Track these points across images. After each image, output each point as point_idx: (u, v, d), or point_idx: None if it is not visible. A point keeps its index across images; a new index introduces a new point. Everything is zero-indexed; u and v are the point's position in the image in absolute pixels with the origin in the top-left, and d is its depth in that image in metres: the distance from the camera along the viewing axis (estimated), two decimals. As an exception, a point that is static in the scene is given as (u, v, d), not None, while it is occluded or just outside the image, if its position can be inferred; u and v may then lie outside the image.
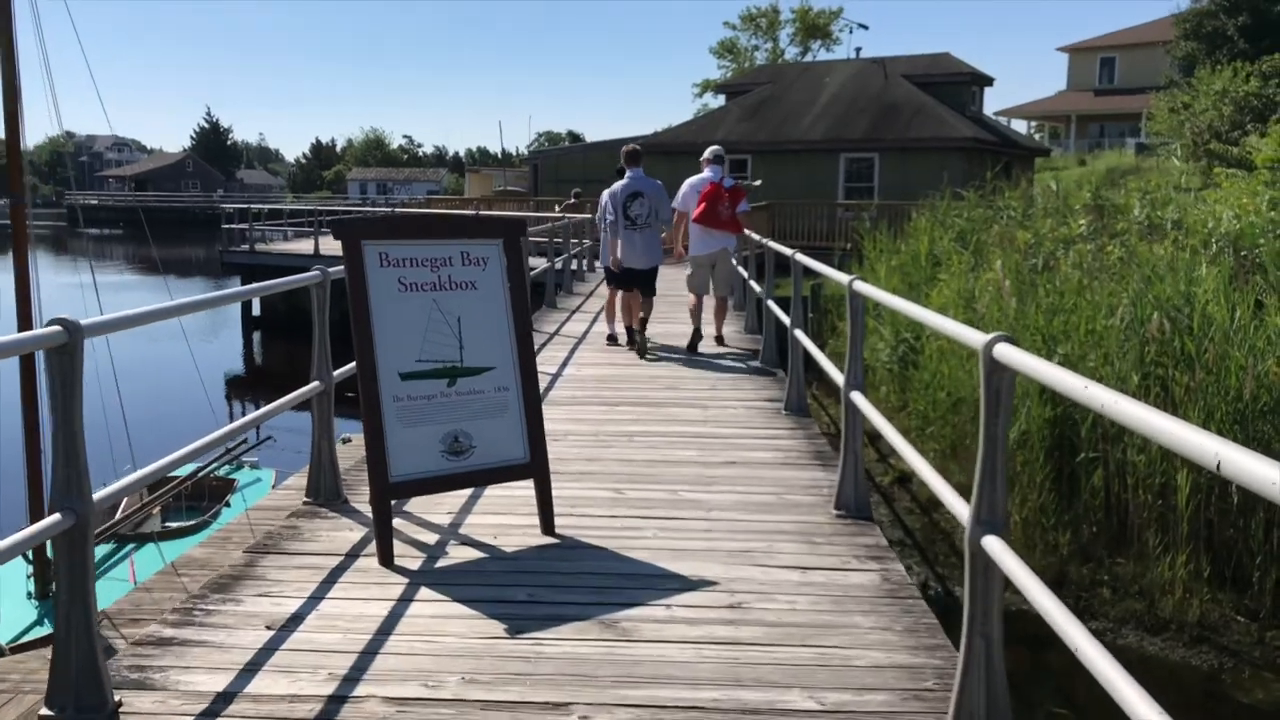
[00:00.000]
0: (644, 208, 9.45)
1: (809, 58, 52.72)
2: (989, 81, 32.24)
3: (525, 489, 4.64)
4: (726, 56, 57.75)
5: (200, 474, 9.54)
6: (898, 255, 14.80)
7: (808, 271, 7.24)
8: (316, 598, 3.75)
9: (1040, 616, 2.26)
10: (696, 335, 9.93)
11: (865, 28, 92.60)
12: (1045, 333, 8.21)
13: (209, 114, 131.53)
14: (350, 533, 4.51)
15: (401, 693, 3.03)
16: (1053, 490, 7.38)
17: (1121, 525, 7.02)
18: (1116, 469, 7.01)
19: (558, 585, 3.89)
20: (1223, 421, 6.65)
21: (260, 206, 28.76)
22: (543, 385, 7.80)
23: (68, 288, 10.35)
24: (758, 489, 5.23)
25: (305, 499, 4.97)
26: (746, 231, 10.96)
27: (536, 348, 9.62)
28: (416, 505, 4.81)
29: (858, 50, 35.19)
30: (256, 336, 25.35)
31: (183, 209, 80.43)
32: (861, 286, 4.79)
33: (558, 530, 4.50)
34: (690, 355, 9.65)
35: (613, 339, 10.27)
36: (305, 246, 26.21)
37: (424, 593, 3.82)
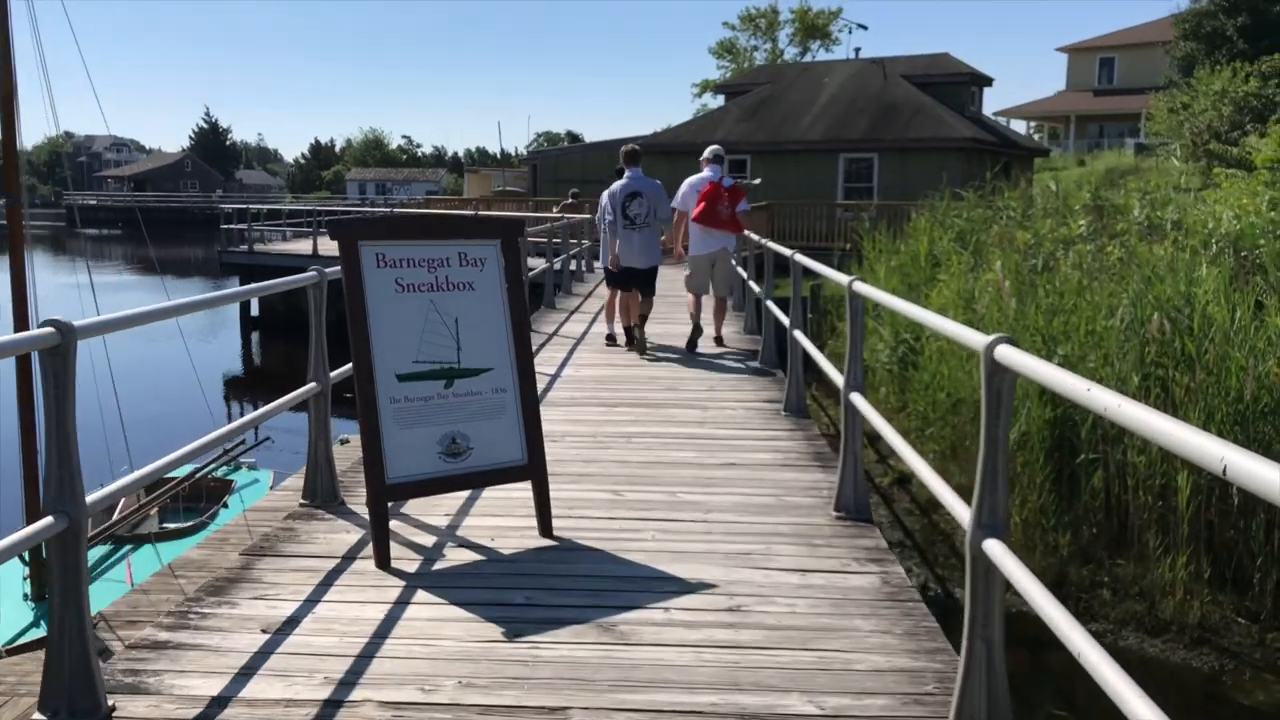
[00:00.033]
0: (643, 207, 9.45)
1: (808, 58, 52.74)
2: (988, 82, 32.23)
3: (523, 490, 4.62)
4: (726, 57, 57.77)
5: (198, 475, 9.52)
6: (897, 256, 14.78)
7: (807, 272, 7.21)
8: (313, 601, 3.72)
9: (1040, 617, 2.24)
10: (696, 332, 9.94)
11: (864, 28, 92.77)
12: (1045, 333, 8.19)
13: (208, 114, 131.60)
14: (347, 535, 4.48)
15: (397, 697, 3.00)
16: (1053, 491, 7.36)
17: (1122, 526, 7.01)
18: (1116, 470, 7.00)
19: (555, 588, 3.87)
20: (1223, 422, 6.63)
21: (259, 207, 28.73)
22: (541, 386, 7.78)
23: (65, 288, 10.32)
24: (757, 491, 5.21)
25: (302, 501, 4.95)
26: (746, 232, 10.95)
27: (535, 348, 9.60)
28: (414, 507, 4.79)
29: (857, 50, 35.22)
30: (255, 337, 25.34)
31: (181, 209, 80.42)
32: (861, 287, 4.77)
33: (556, 532, 4.48)
34: (689, 355, 9.64)
35: (611, 339, 10.25)
36: (304, 247, 26.19)
37: (421, 595, 3.79)
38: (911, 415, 10.12)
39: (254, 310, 25.44)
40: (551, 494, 4.57)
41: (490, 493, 4.96)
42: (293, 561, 4.13)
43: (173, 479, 9.08)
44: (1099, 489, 7.11)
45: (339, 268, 4.30)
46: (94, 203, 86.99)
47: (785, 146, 28.75)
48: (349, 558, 4.19)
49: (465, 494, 4.92)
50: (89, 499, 2.91)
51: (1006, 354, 2.57)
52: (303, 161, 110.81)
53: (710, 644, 3.37)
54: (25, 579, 8.13)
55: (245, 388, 20.53)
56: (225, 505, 9.78)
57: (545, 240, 15.62)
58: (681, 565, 4.10)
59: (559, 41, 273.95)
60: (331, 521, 4.68)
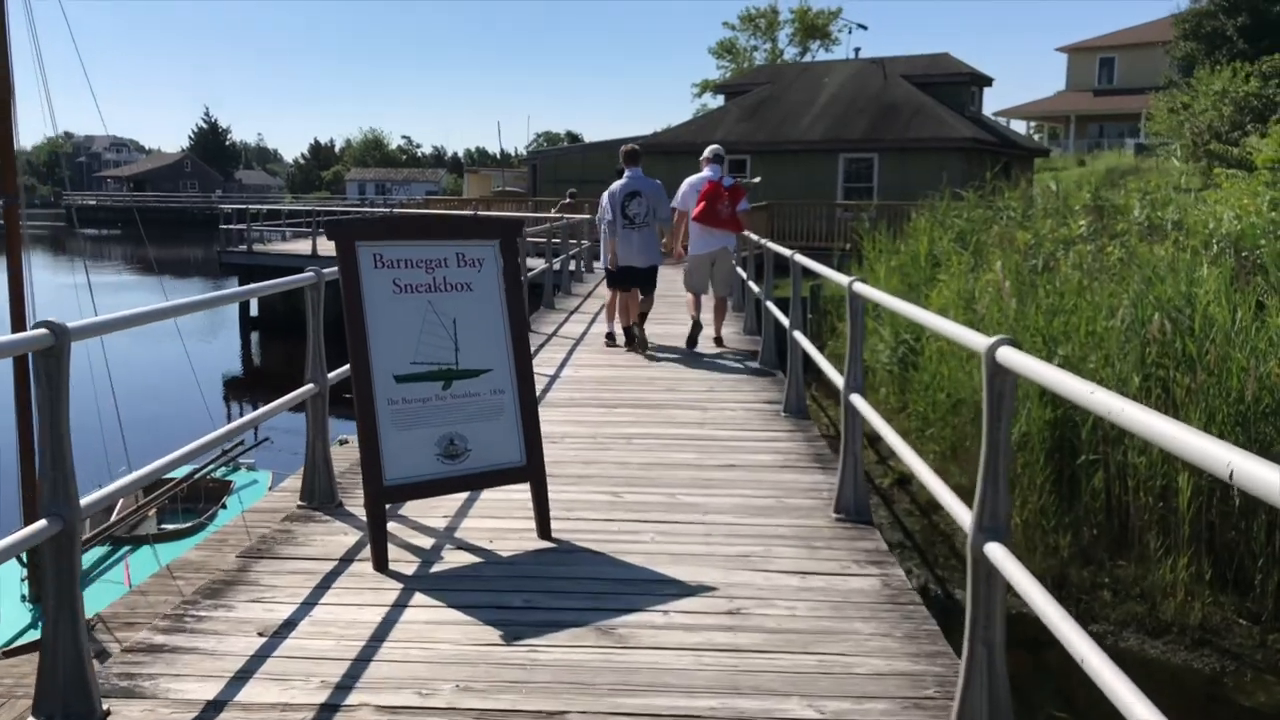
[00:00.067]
0: (642, 206, 9.46)
1: (808, 58, 52.73)
2: (988, 82, 32.23)
3: (522, 492, 4.60)
4: (725, 57, 57.76)
5: (196, 476, 9.49)
6: (897, 256, 14.76)
7: (807, 272, 7.19)
8: (309, 603, 3.70)
9: (1040, 618, 2.22)
10: (696, 328, 9.97)
11: (864, 28, 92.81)
12: (1045, 334, 8.17)
13: (207, 114, 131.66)
14: (345, 537, 4.46)
15: (394, 701, 2.98)
16: (1053, 492, 7.34)
17: (1122, 528, 6.99)
18: (1117, 471, 6.98)
19: (554, 590, 3.85)
20: (1224, 423, 6.61)
21: (258, 207, 28.72)
22: (540, 387, 7.77)
23: (63, 288, 10.30)
24: (757, 492, 5.19)
25: (300, 502, 4.93)
26: (745, 232, 10.94)
27: (534, 349, 9.59)
28: (412, 509, 4.77)
29: (857, 50, 35.22)
30: (255, 337, 25.32)
31: (181, 209, 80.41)
32: (861, 288, 4.75)
33: (554, 534, 4.46)
34: (689, 353, 9.63)
35: (611, 338, 10.24)
36: (303, 247, 26.16)
37: (418, 598, 3.77)
38: (912, 416, 10.10)
39: (253, 310, 25.42)
40: (550, 495, 4.55)
41: (489, 494, 4.94)
42: (290, 564, 4.11)
43: (171, 480, 9.06)
44: (1099, 490, 7.09)
45: (337, 268, 4.28)
46: (93, 203, 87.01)
47: (785, 146, 28.74)
48: (347, 560, 4.17)
49: (463, 496, 4.89)
50: (85, 501, 2.89)
51: (1008, 356, 2.54)
52: (302, 162, 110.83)
53: (709, 647, 3.35)
54: (23, 580, 8.10)
55: (245, 388, 20.51)
56: (224, 506, 9.75)
57: (545, 240, 15.61)
58: (681, 567, 4.08)
59: (559, 41, 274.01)
60: (329, 523, 4.66)
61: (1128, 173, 23.87)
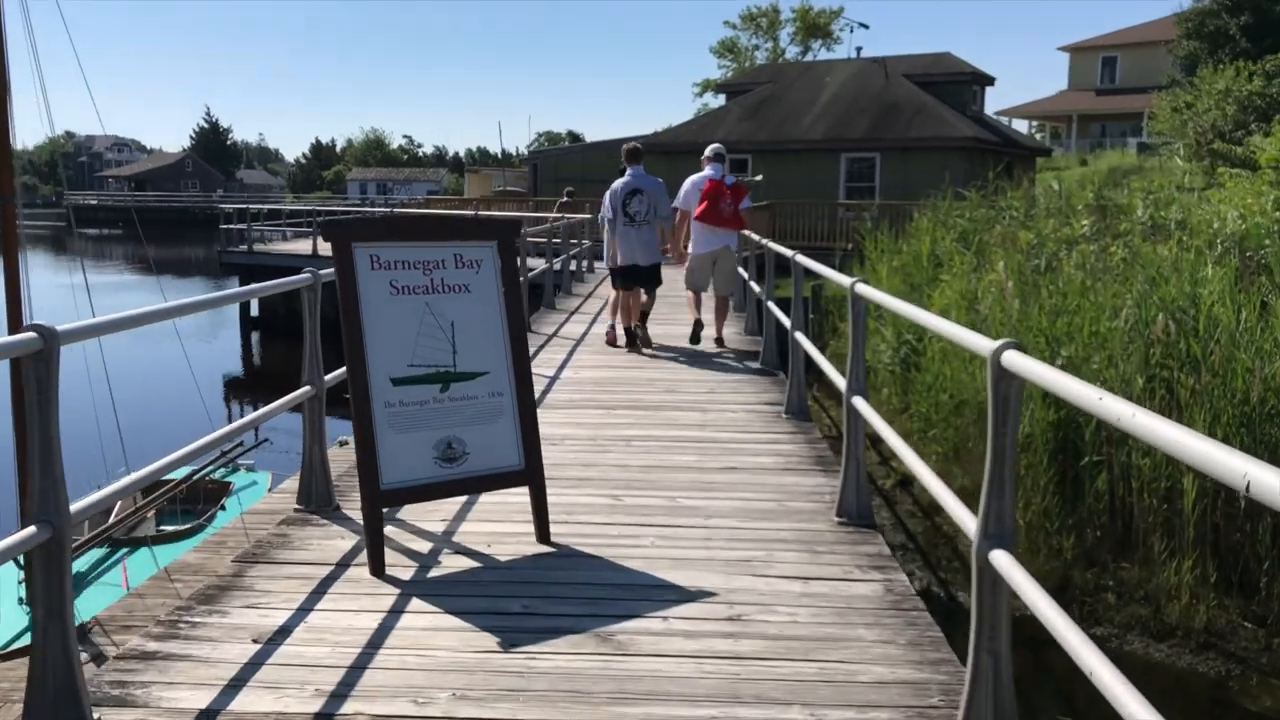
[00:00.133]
0: (643, 205, 9.48)
1: (809, 57, 52.65)
2: (990, 81, 32.16)
3: (520, 496, 4.55)
4: (727, 56, 57.70)
5: (195, 477, 9.45)
6: (899, 256, 14.71)
7: (808, 272, 7.15)
8: (305, 609, 3.66)
9: (1046, 627, 2.18)
10: (698, 326, 10.01)
11: (866, 27, 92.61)
12: (1049, 334, 8.12)
13: (208, 114, 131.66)
14: (341, 541, 4.41)
15: (390, 710, 2.93)
16: (1056, 494, 7.29)
17: (1126, 529, 6.93)
18: (1121, 473, 6.92)
19: (553, 596, 3.80)
20: (1229, 425, 6.56)
21: (259, 207, 28.69)
22: (540, 388, 7.72)
23: (63, 289, 10.26)
24: (758, 495, 5.14)
25: (296, 505, 4.88)
26: (746, 232, 10.91)
27: (534, 350, 9.55)
28: (409, 513, 4.73)
29: (858, 50, 35.15)
30: (255, 337, 25.28)
31: (182, 209, 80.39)
32: (864, 289, 4.70)
33: (553, 538, 4.41)
34: (690, 354, 9.60)
35: (613, 337, 10.23)
36: (304, 247, 26.13)
37: (415, 604, 3.72)
38: (914, 417, 10.05)
39: (254, 310, 25.38)
40: (549, 499, 4.50)
41: (487, 498, 4.90)
42: (285, 569, 4.07)
43: (170, 481, 9.01)
44: (1103, 491, 7.03)
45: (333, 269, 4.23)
46: (94, 203, 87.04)
47: (787, 146, 28.68)
48: (343, 564, 4.12)
49: (462, 499, 4.85)
50: (79, 505, 2.85)
51: (1014, 360, 2.49)
52: (304, 161, 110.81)
53: (710, 654, 3.30)
54: (20, 582, 8.06)
55: (245, 388, 20.47)
56: (223, 508, 9.71)
57: (545, 240, 15.56)
58: (681, 572, 4.03)
59: (560, 41, 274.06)
60: (326, 527, 4.61)
61: (1130, 172, 23.81)
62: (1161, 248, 9.39)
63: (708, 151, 9.90)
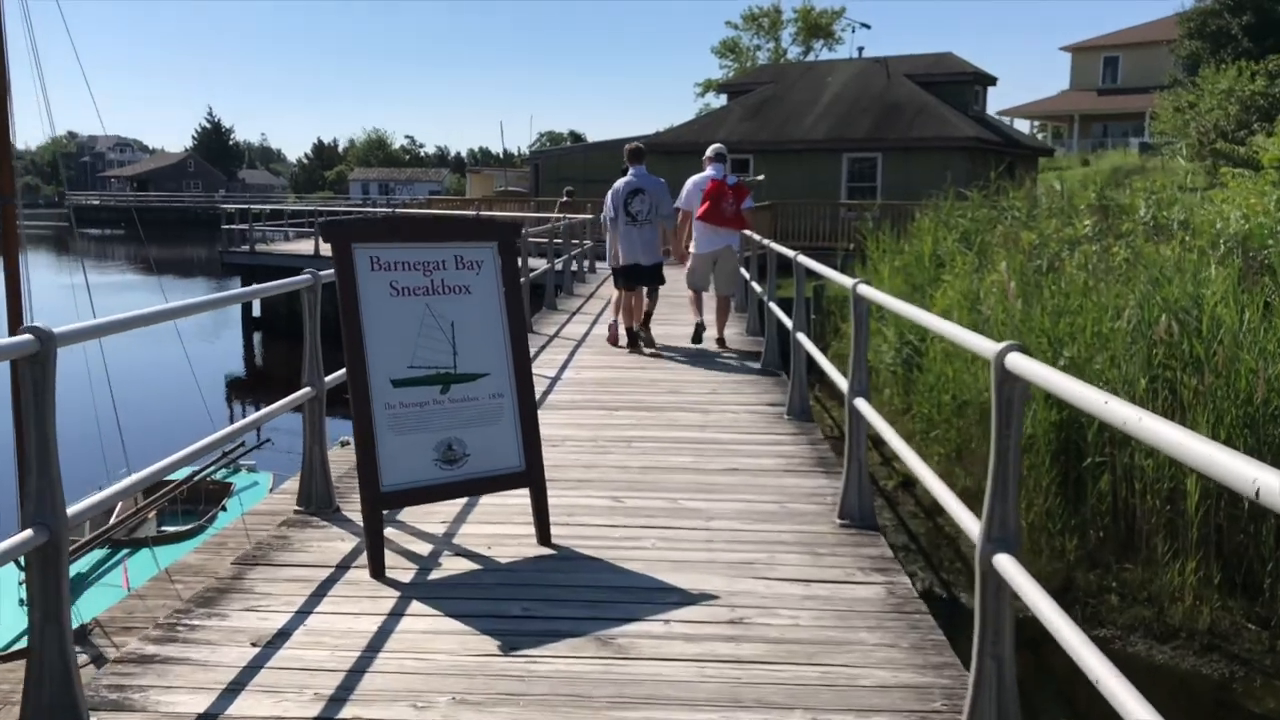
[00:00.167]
0: (645, 204, 9.49)
1: (811, 57, 52.61)
2: (992, 81, 32.13)
3: (521, 497, 4.53)
4: (728, 56, 57.68)
5: (196, 478, 9.43)
6: (901, 256, 14.68)
7: (810, 273, 7.12)
8: (304, 612, 3.64)
9: (1050, 631, 2.15)
10: (700, 327, 10.07)
11: (868, 27, 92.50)
12: (1051, 335, 8.09)
13: (211, 114, 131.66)
14: (341, 543, 4.40)
15: (389, 714, 2.91)
16: (1059, 495, 7.26)
17: (1129, 531, 6.91)
18: (1124, 473, 6.90)
19: (553, 599, 3.78)
20: (1233, 426, 6.54)
21: (261, 207, 28.69)
22: (541, 389, 7.71)
23: (64, 289, 10.25)
24: (759, 497, 5.11)
25: (296, 507, 4.87)
26: (748, 232, 10.90)
27: (535, 350, 9.54)
28: (409, 515, 4.71)
29: (860, 50, 35.12)
30: (257, 338, 25.27)
31: (184, 209, 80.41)
32: (866, 290, 4.67)
33: (554, 540, 4.39)
34: (692, 355, 9.60)
35: (614, 335, 10.23)
36: (306, 247, 26.13)
37: (415, 607, 3.71)
38: (916, 417, 10.03)
39: (255, 311, 25.37)
40: (550, 500, 4.48)
41: (487, 500, 4.88)
42: (285, 571, 4.05)
43: (171, 482, 9.00)
44: (1106, 492, 7.01)
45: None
46: (97, 203, 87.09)
47: (788, 146, 28.66)
48: (343, 567, 4.10)
49: (462, 501, 4.83)
50: (77, 508, 2.84)
51: (1018, 362, 2.47)
52: (306, 161, 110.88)
53: (711, 658, 3.28)
54: (21, 584, 8.05)
55: (247, 389, 20.46)
56: (224, 509, 9.69)
57: (547, 240, 15.55)
58: (682, 575, 4.01)
59: (561, 41, 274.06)
60: (326, 529, 4.60)
61: (1132, 172, 23.78)
62: (1164, 248, 9.36)
63: (709, 152, 9.91)
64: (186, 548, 7.81)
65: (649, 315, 9.92)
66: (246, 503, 8.92)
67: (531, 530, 4.41)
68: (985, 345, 2.70)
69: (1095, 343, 7.70)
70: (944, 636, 3.46)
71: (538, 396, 6.84)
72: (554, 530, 4.42)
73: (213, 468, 9.81)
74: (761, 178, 18.20)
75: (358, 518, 4.54)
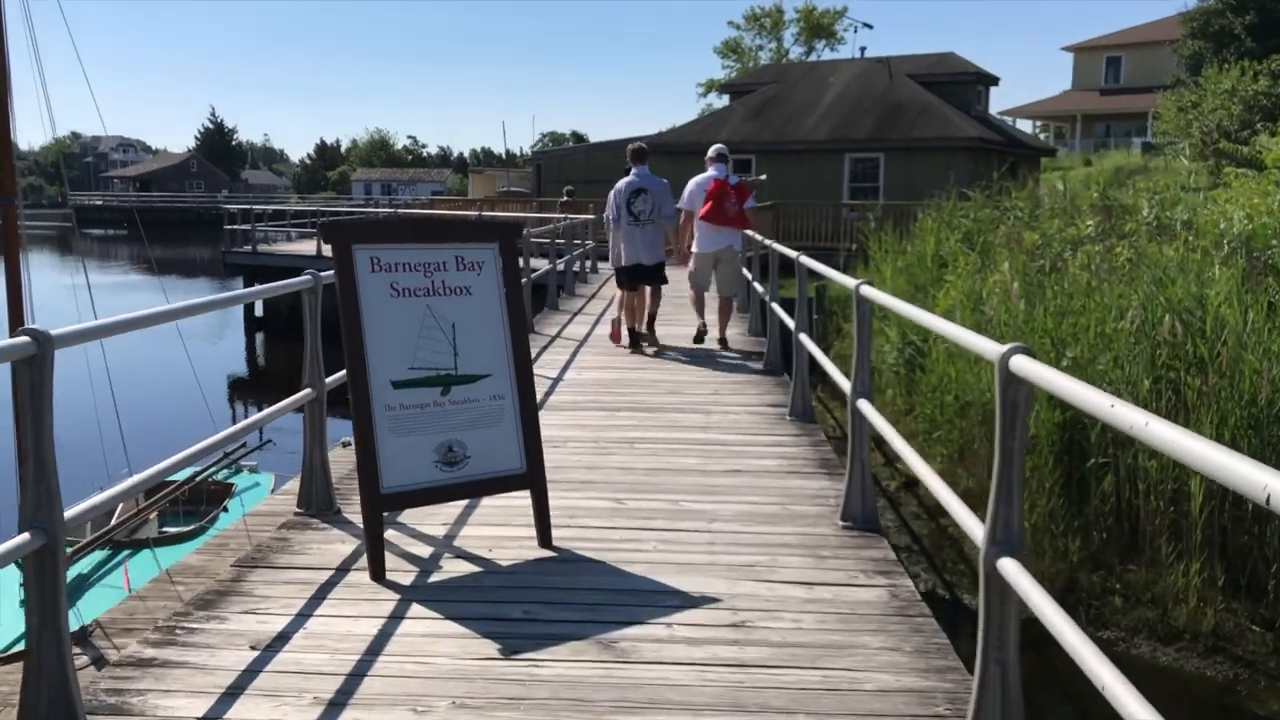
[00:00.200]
0: (647, 204, 9.50)
1: (813, 57, 52.59)
2: (994, 81, 32.08)
3: (522, 499, 4.51)
4: (731, 56, 57.66)
5: (198, 478, 9.42)
6: (903, 256, 14.66)
7: (812, 273, 7.10)
8: (304, 615, 3.62)
9: (1055, 636, 2.13)
10: (702, 329, 10.11)
11: (870, 27, 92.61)
12: (1054, 335, 8.07)
13: (213, 114, 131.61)
14: (341, 545, 4.38)
15: (389, 719, 2.90)
16: (1062, 496, 7.24)
17: (1133, 532, 6.88)
18: (1127, 474, 6.87)
19: (554, 602, 3.76)
20: (1237, 427, 6.51)
21: (263, 207, 28.68)
22: (543, 390, 7.69)
23: (66, 289, 10.24)
24: (762, 499, 5.09)
25: (296, 509, 4.85)
26: (750, 232, 10.89)
27: (537, 351, 9.52)
28: (410, 517, 4.69)
29: (862, 50, 35.10)
30: (259, 338, 25.26)
31: (186, 209, 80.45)
32: (869, 291, 4.65)
33: (555, 542, 4.37)
34: (694, 356, 9.59)
35: (616, 333, 10.22)
36: (308, 248, 26.12)
37: (415, 610, 3.69)
38: (919, 418, 10.00)
39: (258, 311, 25.36)
40: (552, 502, 4.46)
41: (488, 501, 4.85)
42: (285, 573, 4.03)
43: (172, 483, 8.98)
44: (1109, 493, 6.98)
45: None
46: (99, 203, 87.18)
47: (790, 146, 28.62)
48: (343, 569, 4.08)
49: (463, 503, 4.81)
50: (75, 510, 2.82)
51: (1022, 365, 2.45)
52: (308, 162, 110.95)
53: (713, 662, 3.26)
54: (22, 585, 8.04)
55: (250, 389, 20.44)
56: (225, 509, 9.68)
57: (549, 241, 15.54)
58: (684, 578, 3.99)
59: (564, 41, 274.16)
60: (326, 531, 4.58)
61: (1135, 172, 23.75)
62: (1167, 248, 9.34)
63: (711, 152, 9.91)
64: (188, 549, 7.79)
65: (653, 317, 9.93)
66: (248, 503, 8.91)
67: (532, 532, 4.39)
68: (989, 347, 2.68)
69: (1098, 343, 7.68)
70: (947, 640, 3.44)
71: (539, 397, 6.82)
72: (555, 532, 4.41)
73: (214, 468, 9.80)
74: (764, 178, 18.18)
75: (358, 520, 4.52)
